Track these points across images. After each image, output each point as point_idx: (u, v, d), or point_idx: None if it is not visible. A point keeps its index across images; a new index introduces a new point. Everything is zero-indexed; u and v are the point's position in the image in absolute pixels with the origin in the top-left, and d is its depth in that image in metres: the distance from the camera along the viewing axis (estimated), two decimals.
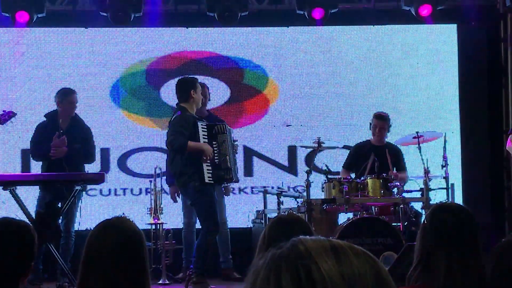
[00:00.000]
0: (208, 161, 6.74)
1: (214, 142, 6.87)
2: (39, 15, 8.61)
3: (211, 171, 6.79)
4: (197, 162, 6.76)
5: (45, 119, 7.70)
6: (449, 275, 2.65)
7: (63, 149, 7.34)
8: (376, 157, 7.37)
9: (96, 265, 2.55)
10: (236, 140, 7.28)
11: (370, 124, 7.85)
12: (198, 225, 7.53)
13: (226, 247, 7.72)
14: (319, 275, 1.03)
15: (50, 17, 8.75)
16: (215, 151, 6.86)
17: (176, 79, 7.46)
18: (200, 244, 6.88)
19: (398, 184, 7.24)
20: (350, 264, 1.05)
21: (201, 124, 6.88)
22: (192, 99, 6.94)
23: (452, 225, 2.73)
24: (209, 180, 6.77)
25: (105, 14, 8.64)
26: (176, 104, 7.13)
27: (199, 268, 6.80)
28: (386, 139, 7.91)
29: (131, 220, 2.70)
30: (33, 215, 6.88)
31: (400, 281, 2.95)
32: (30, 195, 7.48)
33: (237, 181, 7.33)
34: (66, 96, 7.61)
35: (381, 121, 7.79)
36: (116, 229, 2.62)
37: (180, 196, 7.83)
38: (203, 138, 6.83)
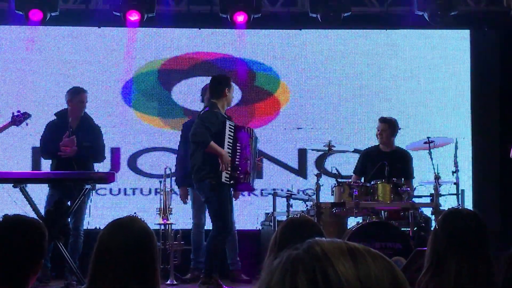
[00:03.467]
0: (226, 176, 6.72)
1: (238, 144, 6.88)
2: (53, 14, 8.63)
3: (229, 172, 6.78)
4: (217, 160, 6.75)
5: (55, 117, 7.72)
6: (459, 280, 2.64)
7: (73, 148, 7.35)
8: (386, 162, 7.35)
9: (106, 264, 2.55)
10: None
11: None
12: (207, 226, 7.53)
13: (234, 249, 7.71)
14: (336, 277, 1.02)
15: (63, 15, 8.78)
16: (238, 153, 6.86)
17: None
18: (209, 244, 6.87)
19: (408, 189, 7.22)
20: (367, 267, 1.04)
21: (229, 124, 6.89)
22: (225, 97, 6.96)
23: (463, 231, 2.72)
24: (225, 180, 6.75)
25: (118, 14, 8.66)
26: (207, 99, 7.14)
27: (207, 269, 6.80)
28: (395, 145, 7.89)
29: (142, 220, 2.70)
30: (43, 213, 6.90)
31: (409, 286, 2.94)
32: (40, 193, 7.49)
33: (252, 189, 7.28)
34: (76, 95, 7.62)
35: (382, 124, 7.78)
36: (128, 228, 2.62)
37: (190, 197, 7.84)
38: (229, 137, 6.82)
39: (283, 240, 2.69)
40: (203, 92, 7.88)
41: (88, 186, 6.97)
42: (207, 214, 7.78)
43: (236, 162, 6.83)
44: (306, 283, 1.02)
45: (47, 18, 8.59)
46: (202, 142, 6.76)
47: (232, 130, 6.88)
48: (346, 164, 8.27)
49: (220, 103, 6.95)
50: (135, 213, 2.67)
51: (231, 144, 6.84)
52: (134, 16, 8.62)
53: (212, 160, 6.76)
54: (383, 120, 7.88)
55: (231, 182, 6.81)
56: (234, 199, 7.65)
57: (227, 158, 6.72)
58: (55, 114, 7.75)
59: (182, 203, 7.93)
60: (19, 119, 7.23)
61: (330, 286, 1.01)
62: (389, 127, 7.79)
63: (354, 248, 1.07)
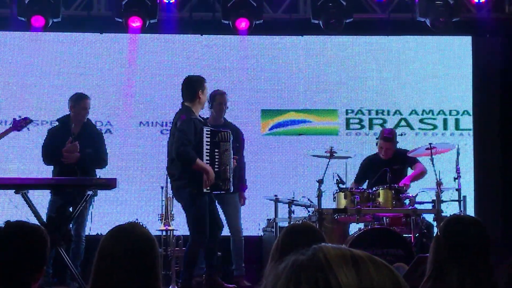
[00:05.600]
0: (208, 188, 6.62)
1: (216, 150, 6.72)
2: (55, 20, 8.64)
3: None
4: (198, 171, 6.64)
5: (57, 123, 7.73)
6: (461, 287, 2.64)
7: (75, 155, 7.35)
8: (388, 169, 7.35)
9: (108, 270, 2.55)
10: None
11: (377, 143, 7.87)
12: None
13: (239, 254, 7.69)
14: None
15: (65, 21, 8.79)
16: (216, 159, 6.72)
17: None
18: (186, 254, 6.80)
19: (411, 195, 7.22)
20: (370, 277, 1.04)
21: (206, 130, 6.71)
22: (199, 99, 6.74)
23: (466, 238, 2.72)
24: (206, 190, 6.65)
25: (120, 20, 8.67)
26: (181, 103, 6.92)
27: (185, 278, 6.73)
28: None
29: (144, 226, 2.70)
30: (44, 219, 6.90)
31: None
32: (42, 199, 7.49)
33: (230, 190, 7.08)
34: (79, 101, 7.62)
35: (387, 143, 7.77)
36: (129, 234, 2.61)
37: None
38: (206, 144, 6.67)
39: (285, 247, 2.68)
40: (208, 100, 7.87)
41: (90, 192, 6.97)
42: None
43: (216, 169, 6.69)
44: None
45: (49, 24, 8.61)
46: (189, 161, 6.60)
47: (209, 136, 6.69)
48: (348, 171, 8.26)
49: (194, 107, 6.73)
50: (136, 219, 2.67)
51: (209, 151, 6.70)
52: (136, 23, 8.64)
53: (191, 169, 6.64)
54: (386, 139, 7.81)
55: (212, 189, 6.69)
56: (240, 204, 7.63)
57: (212, 175, 6.58)
58: (57, 120, 7.76)
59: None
60: (20, 124, 7.23)
61: None
62: (392, 144, 7.79)
63: (358, 256, 1.07)
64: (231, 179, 6.82)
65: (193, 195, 6.64)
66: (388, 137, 7.84)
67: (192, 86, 6.78)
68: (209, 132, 6.71)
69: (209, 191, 6.67)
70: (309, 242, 1.16)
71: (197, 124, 6.67)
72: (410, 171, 7.87)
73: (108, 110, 8.92)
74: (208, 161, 6.68)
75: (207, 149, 6.68)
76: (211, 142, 6.70)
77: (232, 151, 6.90)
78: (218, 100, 7.56)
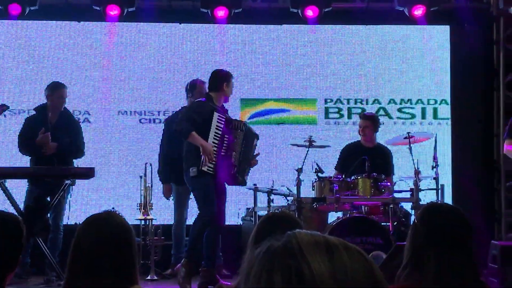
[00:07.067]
0: (208, 165, 6.67)
1: (226, 137, 6.83)
2: (32, 8, 8.56)
3: (214, 162, 6.74)
4: (198, 150, 6.70)
5: (34, 112, 7.67)
6: (439, 275, 2.65)
7: (53, 144, 7.30)
8: (367, 157, 7.37)
9: (84, 259, 2.53)
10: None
11: (359, 132, 7.90)
12: (189, 222, 7.52)
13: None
14: (311, 276, 1.02)
15: (42, 10, 8.71)
16: (225, 145, 6.83)
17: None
18: (191, 230, 6.80)
19: (389, 184, 7.25)
20: (343, 263, 1.04)
21: (219, 115, 6.81)
22: (223, 91, 6.91)
23: (443, 225, 2.73)
24: (207, 170, 6.70)
25: (98, 8, 8.61)
26: (206, 93, 7.10)
27: (188, 256, 6.71)
28: (377, 141, 7.91)
29: (120, 215, 2.68)
30: (22, 209, 6.86)
31: (388, 280, 2.95)
32: (20, 188, 7.44)
33: (243, 183, 7.16)
34: (55, 90, 7.57)
35: (366, 121, 7.81)
36: (105, 223, 2.60)
37: (173, 193, 7.83)
38: (216, 128, 6.76)
39: (263, 235, 2.68)
40: (187, 89, 7.88)
41: (68, 182, 6.94)
42: (189, 210, 7.79)
43: (222, 153, 6.78)
44: (281, 280, 1.02)
45: (26, 12, 8.53)
46: (180, 131, 6.71)
47: (222, 122, 6.82)
48: (326, 160, 8.28)
49: (216, 97, 6.90)
50: (113, 208, 2.66)
51: (218, 135, 6.79)
52: (114, 11, 8.58)
53: (194, 150, 6.69)
54: (365, 116, 7.91)
55: (214, 172, 6.74)
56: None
57: (208, 149, 6.63)
58: (34, 109, 7.71)
59: (164, 198, 7.92)
60: None
61: (304, 285, 1.02)
62: (371, 123, 7.81)
63: (332, 243, 1.07)
64: (242, 168, 6.90)
65: (195, 175, 6.67)
66: (366, 114, 7.90)
67: (218, 77, 6.97)
68: (222, 119, 6.81)
69: (211, 171, 6.68)
70: (286, 231, 1.16)
71: (208, 107, 6.78)
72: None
73: (86, 99, 8.87)
74: (215, 145, 6.72)
75: (216, 133, 6.74)
76: (224, 128, 6.80)
77: (250, 145, 6.99)
78: (199, 89, 7.66)
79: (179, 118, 6.86)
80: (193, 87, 7.76)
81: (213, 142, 6.73)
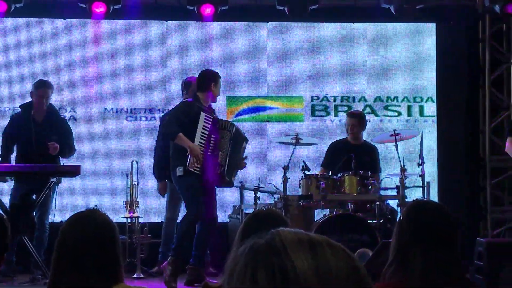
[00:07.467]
0: (196, 166, 6.66)
1: (213, 136, 6.84)
2: (17, 5, 8.51)
3: (200, 163, 6.72)
4: (185, 150, 6.71)
5: (20, 110, 7.64)
6: (425, 272, 2.65)
7: (56, 147, 7.25)
8: (353, 155, 7.38)
9: (68, 258, 2.52)
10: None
11: (347, 130, 7.91)
12: (179, 220, 7.51)
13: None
14: (294, 274, 1.02)
15: (28, 7, 8.66)
16: (211, 145, 6.82)
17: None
18: (179, 228, 6.81)
19: (375, 181, 7.26)
20: (326, 260, 1.04)
21: (206, 115, 6.83)
22: (210, 91, 6.92)
23: (428, 222, 2.73)
24: (194, 170, 6.70)
25: (83, 5, 8.57)
26: (194, 93, 7.12)
27: (174, 254, 6.70)
28: (363, 138, 7.93)
29: (104, 212, 2.68)
30: (7, 207, 6.83)
31: (374, 278, 2.95)
32: (5, 186, 7.41)
33: (230, 184, 7.18)
34: (37, 89, 7.52)
35: (353, 119, 7.83)
36: (89, 221, 2.59)
37: (168, 190, 7.81)
38: (203, 128, 6.77)
39: (248, 233, 2.68)
40: (183, 87, 7.85)
41: (53, 179, 6.92)
42: (181, 209, 7.77)
43: (209, 153, 6.78)
44: (265, 278, 1.02)
45: (12, 10, 8.48)
46: (168, 134, 6.73)
47: (209, 122, 6.83)
48: (313, 158, 8.28)
49: (203, 97, 6.92)
50: (96, 205, 2.65)
51: (205, 135, 6.79)
52: (100, 8, 8.54)
53: (180, 149, 6.71)
54: (352, 115, 7.92)
55: (199, 171, 6.72)
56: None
57: (196, 151, 6.64)
58: (19, 107, 7.67)
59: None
60: None
61: (288, 283, 1.02)
62: (358, 121, 7.83)
63: (315, 241, 1.07)
64: (228, 169, 6.89)
65: (181, 174, 6.67)
66: (354, 113, 7.93)
67: (206, 78, 7.00)
68: (209, 119, 6.82)
69: (197, 171, 6.67)
70: (273, 228, 1.16)
71: (195, 107, 6.79)
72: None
73: (72, 96, 8.83)
74: (202, 145, 6.71)
75: (203, 133, 6.75)
76: (211, 128, 6.81)
77: (239, 147, 6.99)
78: (194, 87, 7.62)
79: (167, 120, 6.88)
80: (188, 85, 7.73)
81: (200, 143, 6.73)
